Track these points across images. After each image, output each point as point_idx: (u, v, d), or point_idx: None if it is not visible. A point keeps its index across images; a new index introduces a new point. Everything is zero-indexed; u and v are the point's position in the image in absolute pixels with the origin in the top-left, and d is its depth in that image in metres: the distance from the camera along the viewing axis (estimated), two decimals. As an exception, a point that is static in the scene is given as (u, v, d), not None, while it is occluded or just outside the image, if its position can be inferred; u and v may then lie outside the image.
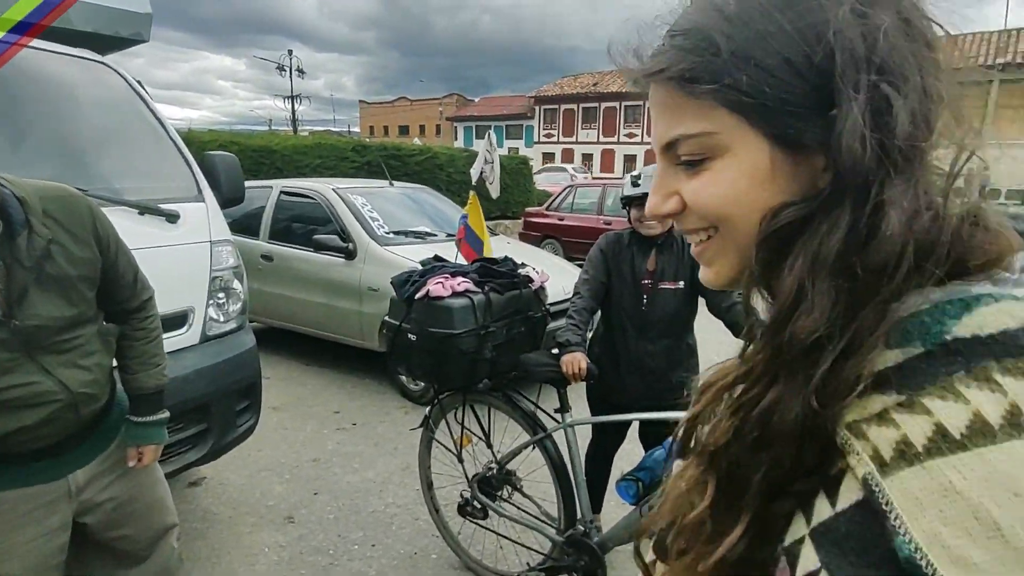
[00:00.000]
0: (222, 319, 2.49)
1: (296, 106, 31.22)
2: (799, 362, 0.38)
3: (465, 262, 2.90)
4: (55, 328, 1.20)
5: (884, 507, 0.32)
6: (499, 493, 2.25)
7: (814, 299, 0.37)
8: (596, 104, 34.20)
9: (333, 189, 4.71)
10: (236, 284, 2.57)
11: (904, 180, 0.37)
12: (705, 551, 0.43)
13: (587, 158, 34.82)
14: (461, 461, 2.26)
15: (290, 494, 2.95)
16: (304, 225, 4.74)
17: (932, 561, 0.30)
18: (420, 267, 2.17)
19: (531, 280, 2.23)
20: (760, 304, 0.44)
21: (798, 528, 0.38)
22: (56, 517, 1.30)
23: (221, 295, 2.49)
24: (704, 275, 0.49)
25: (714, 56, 0.40)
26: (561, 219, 9.56)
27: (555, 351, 2.07)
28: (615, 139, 33.58)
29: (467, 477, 2.26)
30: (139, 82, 2.74)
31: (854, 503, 0.35)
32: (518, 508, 2.23)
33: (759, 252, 0.41)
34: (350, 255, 4.34)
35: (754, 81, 0.39)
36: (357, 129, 51.07)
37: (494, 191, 4.44)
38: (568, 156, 35.24)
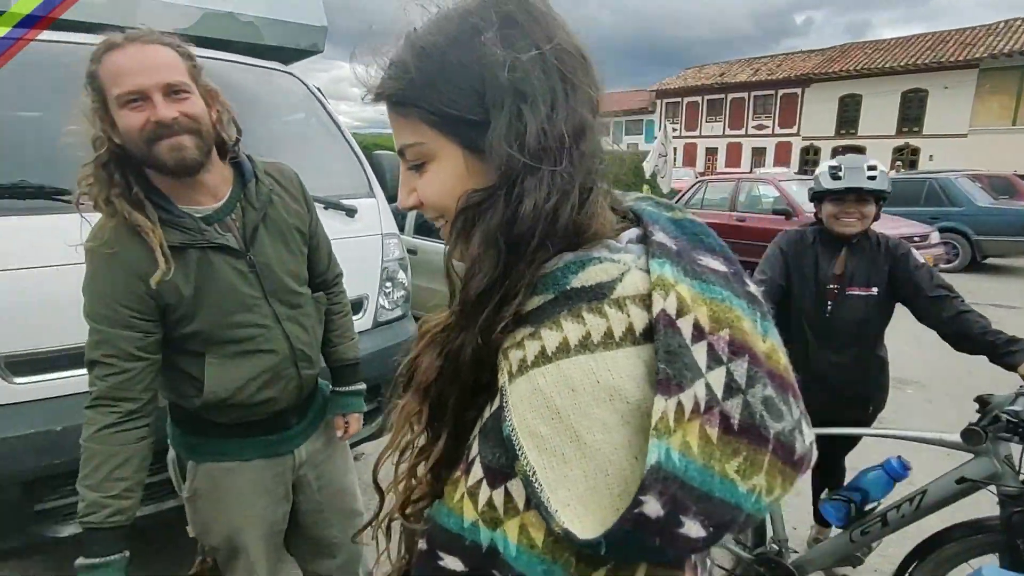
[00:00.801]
0: (388, 306, 2.66)
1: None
2: (474, 310, 0.50)
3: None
4: (281, 272, 1.33)
5: (505, 405, 0.45)
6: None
7: (483, 264, 0.50)
8: (722, 96, 32.64)
9: (473, 186, 4.88)
10: (401, 275, 2.74)
11: (537, 177, 0.48)
12: (420, 460, 0.59)
13: (711, 152, 33.35)
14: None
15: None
16: (446, 221, 4.95)
17: (519, 434, 0.44)
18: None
19: None
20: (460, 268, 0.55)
21: (476, 430, 0.50)
22: (283, 488, 1.44)
23: (388, 284, 2.67)
24: (450, 253, 0.58)
25: (412, 83, 0.52)
26: (690, 216, 9.23)
27: None
28: (742, 131, 31.84)
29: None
30: (318, 89, 3.00)
31: (498, 406, 0.47)
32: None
33: (453, 228, 0.53)
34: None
35: (440, 102, 0.51)
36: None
37: (665, 185, 4.35)
38: (691, 151, 33.95)
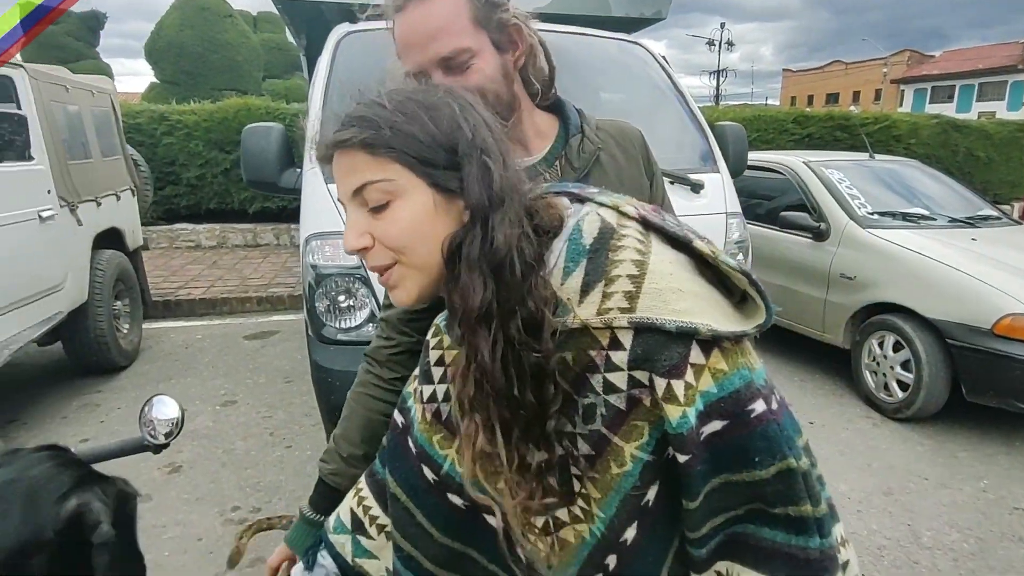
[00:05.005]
0: (724, 293, 2.45)
1: (721, 80, 31.00)
2: (478, 324, 0.59)
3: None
4: None
5: None
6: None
7: (475, 286, 0.59)
8: None
9: (804, 162, 4.29)
10: (740, 258, 2.49)
11: (502, 213, 0.60)
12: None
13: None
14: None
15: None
16: (767, 200, 4.47)
17: None
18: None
19: None
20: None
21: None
22: None
23: (726, 268, 2.46)
24: (396, 297, 0.67)
25: (392, 130, 0.61)
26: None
27: None
28: None
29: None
30: (664, 58, 2.87)
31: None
32: None
33: (447, 265, 0.62)
34: (820, 236, 3.91)
35: (418, 149, 0.61)
36: (775, 101, 47.74)
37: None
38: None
